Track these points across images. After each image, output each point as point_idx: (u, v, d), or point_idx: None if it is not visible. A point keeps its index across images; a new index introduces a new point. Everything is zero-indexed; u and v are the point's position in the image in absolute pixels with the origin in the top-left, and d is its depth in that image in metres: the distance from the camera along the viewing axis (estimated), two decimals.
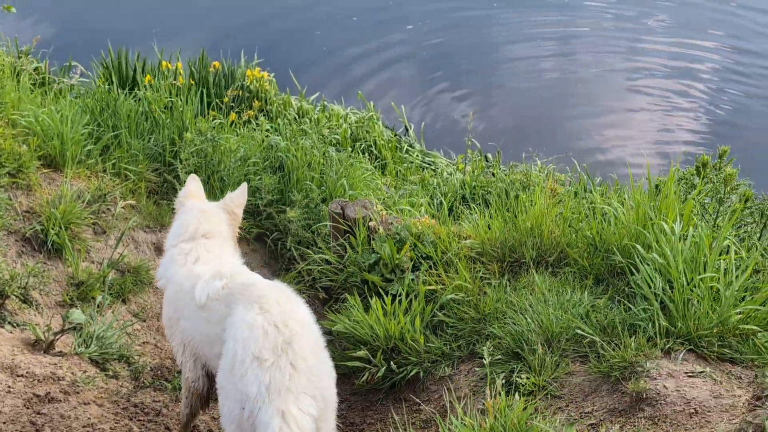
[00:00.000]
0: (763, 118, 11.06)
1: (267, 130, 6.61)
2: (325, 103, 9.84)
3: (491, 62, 12.54)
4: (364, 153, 9.11)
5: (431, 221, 4.86)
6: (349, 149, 7.19)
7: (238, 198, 4.14)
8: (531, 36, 13.02)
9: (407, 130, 10.06)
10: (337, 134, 7.95)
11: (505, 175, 8.13)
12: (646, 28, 13.33)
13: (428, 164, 9.48)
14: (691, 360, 3.81)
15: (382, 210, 5.04)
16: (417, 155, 9.55)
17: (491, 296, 4.38)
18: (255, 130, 6.76)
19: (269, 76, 9.44)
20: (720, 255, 4.11)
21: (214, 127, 6.32)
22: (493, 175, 8.65)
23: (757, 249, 4.26)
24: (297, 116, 9.28)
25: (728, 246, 4.20)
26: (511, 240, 4.61)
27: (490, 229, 4.74)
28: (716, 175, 4.60)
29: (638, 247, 4.12)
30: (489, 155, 9.53)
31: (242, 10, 13.11)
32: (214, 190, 5.95)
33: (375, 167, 8.93)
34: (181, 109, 6.09)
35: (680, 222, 4.18)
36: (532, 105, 11.52)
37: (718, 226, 4.39)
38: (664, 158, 10.63)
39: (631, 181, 6.50)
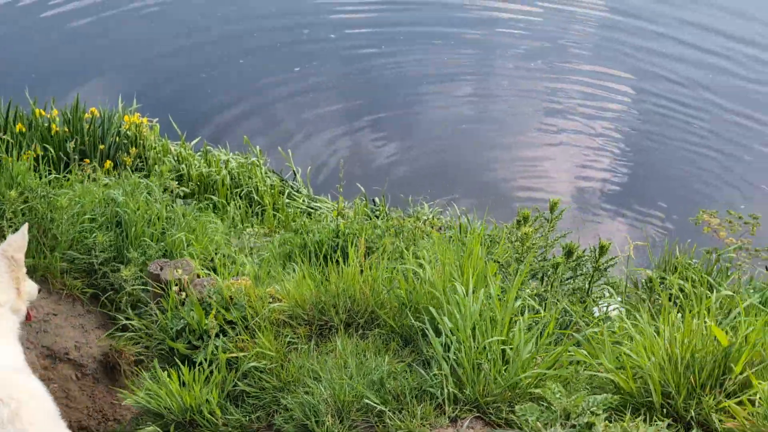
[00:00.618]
0: (672, 152, 11.19)
1: (105, 184, 6.36)
2: (208, 148, 9.63)
3: (394, 102, 12.51)
4: (244, 199, 8.91)
5: (248, 282, 4.66)
6: (195, 201, 6.97)
7: (17, 241, 3.85)
8: (446, 76, 13.02)
9: (295, 174, 9.90)
10: (185, 183, 7.74)
11: (384, 221, 7.99)
12: (559, 67, 13.42)
13: (314, 209, 9.31)
14: (478, 428, 3.67)
15: (197, 271, 4.84)
16: (303, 200, 9.37)
17: (294, 363, 4.19)
18: (102, 181, 6.52)
19: (150, 121, 9.23)
20: (520, 315, 4.01)
21: (50, 182, 6.05)
22: (370, 219, 8.53)
23: (557, 305, 4.16)
24: (176, 162, 9.07)
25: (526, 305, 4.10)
26: (322, 302, 4.44)
27: (304, 289, 4.57)
28: (521, 232, 4.52)
29: (431, 309, 3.99)
30: (376, 199, 9.39)
31: (126, 54, 12.88)
32: (44, 249, 5.68)
33: (255, 213, 8.75)
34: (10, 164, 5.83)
35: (475, 281, 4.06)
36: (443, 146, 11.49)
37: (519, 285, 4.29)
38: (579, 196, 10.65)
39: (457, 235, 6.45)
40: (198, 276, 5.08)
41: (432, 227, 8.58)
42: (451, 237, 7.86)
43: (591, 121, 12.04)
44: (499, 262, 4.42)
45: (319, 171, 10.49)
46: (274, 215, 8.77)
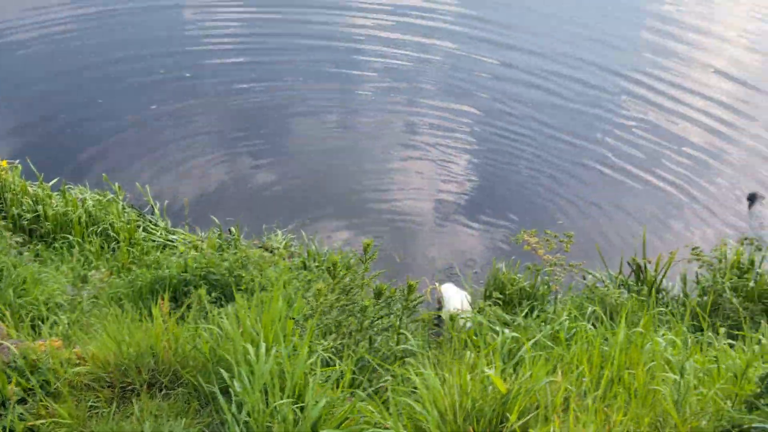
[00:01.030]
0: (515, 173, 11.63)
1: None
2: (68, 186, 9.34)
3: (258, 132, 12.42)
4: (100, 236, 8.67)
5: (57, 342, 4.53)
6: (32, 250, 6.75)
7: None
8: (313, 108, 13.02)
9: (153, 208, 9.70)
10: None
11: (233, 253, 7.94)
12: (415, 101, 13.76)
13: (171, 242, 9.15)
14: None
15: (9, 331, 4.67)
16: (160, 233, 9.19)
17: (95, 429, 4.11)
18: None
19: (11, 163, 8.97)
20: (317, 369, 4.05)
21: None
22: (223, 250, 8.47)
23: (352, 357, 4.25)
24: (34, 203, 8.77)
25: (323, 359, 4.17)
26: (124, 362, 4.37)
27: (107, 349, 4.48)
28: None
29: (222, 370, 4.00)
30: (232, 228, 9.31)
31: None
32: None
33: (112, 249, 8.53)
34: None
35: (272, 338, 4.09)
36: (306, 173, 11.55)
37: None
38: (436, 210, 10.85)
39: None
40: (10, 337, 4.91)
41: (283, 255, 8.61)
42: (295, 266, 7.92)
43: (442, 148, 12.45)
44: (294, 319, 4.48)
45: (178, 203, 10.31)
46: (129, 250, 8.57)
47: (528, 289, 8.09)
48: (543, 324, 5.76)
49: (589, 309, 6.94)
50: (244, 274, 7.10)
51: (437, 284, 8.61)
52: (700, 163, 12.78)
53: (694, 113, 14.53)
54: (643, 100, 14.82)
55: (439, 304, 8.36)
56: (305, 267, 8.16)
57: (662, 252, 8.47)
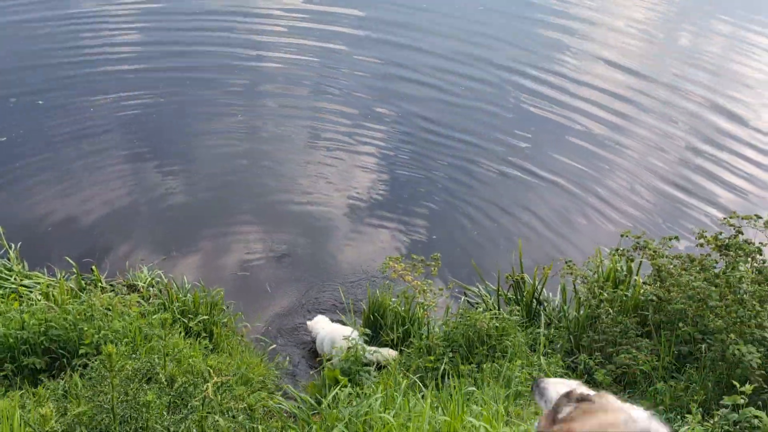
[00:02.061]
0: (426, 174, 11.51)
1: None
2: None
3: (149, 143, 11.66)
4: None
5: None
6: None
7: None
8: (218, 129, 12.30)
9: (8, 251, 8.87)
10: None
11: (82, 302, 7.22)
12: (318, 92, 13.67)
13: (26, 287, 8.35)
14: None
15: None
16: (14, 278, 8.38)
17: None
18: None
19: None
20: None
21: None
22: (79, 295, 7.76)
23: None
24: None
25: None
26: None
27: None
28: None
29: None
30: (93, 267, 8.59)
31: None
32: None
33: None
34: None
35: None
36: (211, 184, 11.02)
37: None
38: (350, 212, 10.66)
39: None
40: None
41: (142, 297, 7.98)
42: (153, 309, 7.31)
43: (352, 150, 12.31)
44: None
45: (37, 242, 9.50)
46: None
47: (402, 313, 7.73)
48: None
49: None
50: (86, 328, 6.45)
51: (308, 322, 8.21)
52: (595, 157, 12.71)
53: (587, 105, 14.50)
54: (536, 95, 14.71)
55: (312, 332, 7.98)
56: (165, 308, 7.55)
57: (542, 263, 8.24)
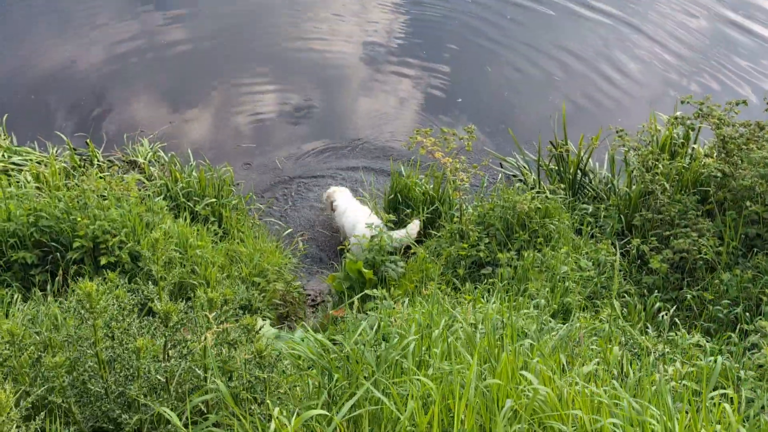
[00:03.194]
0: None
1: None
2: None
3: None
4: None
5: None
6: None
7: None
8: None
9: None
10: None
11: (75, 185, 6.63)
12: None
13: (15, 165, 7.73)
14: None
15: None
16: (3, 155, 7.76)
17: None
18: None
19: None
20: None
21: None
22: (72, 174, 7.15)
23: None
24: None
25: None
26: None
27: None
28: None
29: None
30: (88, 141, 7.92)
31: None
32: None
33: None
34: None
35: None
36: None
37: None
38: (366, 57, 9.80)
39: None
40: None
41: (144, 176, 7.34)
42: (155, 191, 6.70)
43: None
44: None
45: (27, 111, 8.77)
46: None
47: (431, 192, 7.06)
48: None
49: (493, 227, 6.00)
50: (80, 218, 5.85)
51: (325, 192, 7.61)
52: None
53: None
54: None
55: (332, 209, 7.46)
56: (168, 190, 6.93)
57: (587, 131, 7.44)
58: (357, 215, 6.87)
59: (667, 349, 3.70)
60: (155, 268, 3.27)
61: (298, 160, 8.62)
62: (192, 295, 5.73)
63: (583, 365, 3.24)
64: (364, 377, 2.91)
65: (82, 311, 2.93)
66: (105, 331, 3.06)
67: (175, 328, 3.14)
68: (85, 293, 2.91)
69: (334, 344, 3.30)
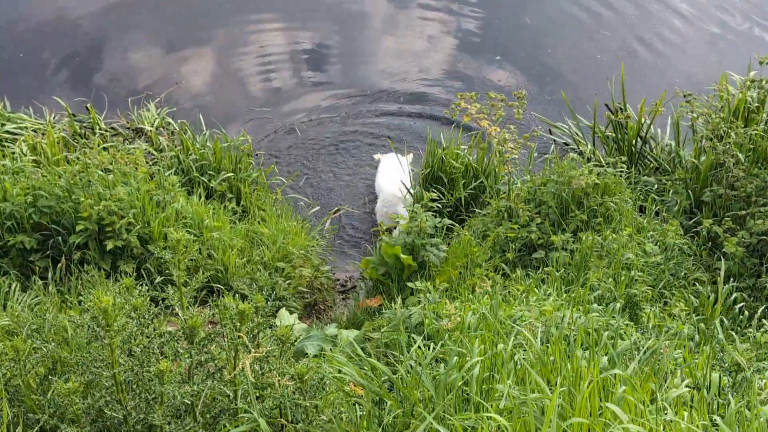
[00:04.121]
0: None
1: None
2: None
3: None
4: None
5: None
6: None
7: None
8: None
9: None
10: None
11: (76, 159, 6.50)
12: None
13: (10, 134, 7.59)
14: None
15: None
16: None
17: None
18: None
19: None
20: None
21: None
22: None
23: None
24: None
25: None
26: None
27: None
28: None
29: None
30: (89, 106, 7.74)
31: None
32: None
33: None
34: None
35: None
36: None
37: None
38: None
39: None
40: None
41: (154, 147, 7.17)
42: (166, 164, 6.55)
43: None
44: None
45: (20, 71, 8.59)
46: None
47: (475, 164, 6.83)
48: None
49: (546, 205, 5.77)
50: (83, 198, 5.70)
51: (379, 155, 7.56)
52: None
53: None
54: None
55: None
56: (179, 162, 6.75)
57: (649, 93, 7.15)
58: (391, 194, 6.71)
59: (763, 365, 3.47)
60: (177, 273, 3.09)
61: (320, 117, 8.48)
62: (208, 279, 5.61)
63: (669, 386, 3.03)
64: (421, 404, 2.72)
65: (97, 329, 2.76)
66: (122, 347, 2.89)
67: (202, 345, 2.97)
68: (100, 309, 2.72)
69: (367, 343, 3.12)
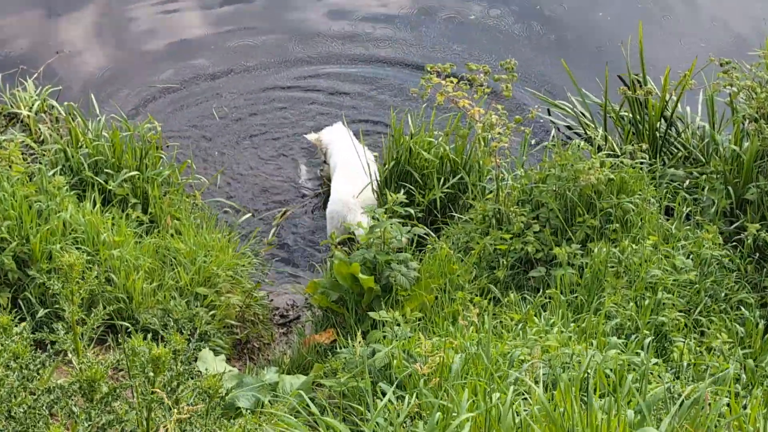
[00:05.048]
0: None
1: None
2: None
3: None
4: None
5: None
6: None
7: None
8: None
9: None
10: None
11: None
12: None
13: None
14: None
15: None
16: None
17: None
18: None
19: None
20: None
21: None
22: None
23: None
24: None
25: None
26: None
27: None
28: None
29: None
30: None
31: None
32: None
33: None
34: None
35: None
36: None
37: None
38: None
39: None
40: None
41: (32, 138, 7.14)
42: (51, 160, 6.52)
43: None
44: None
45: None
46: None
47: (454, 157, 6.88)
48: None
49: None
50: None
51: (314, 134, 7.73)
52: None
53: None
54: None
55: (324, 158, 7.59)
56: (67, 158, 6.70)
57: (670, 65, 7.24)
58: (344, 194, 6.76)
59: None
60: (70, 309, 3.08)
61: (245, 85, 8.61)
62: (106, 310, 5.53)
63: None
64: None
65: None
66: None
67: (105, 402, 2.95)
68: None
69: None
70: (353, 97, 8.54)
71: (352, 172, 6.94)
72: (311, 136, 7.67)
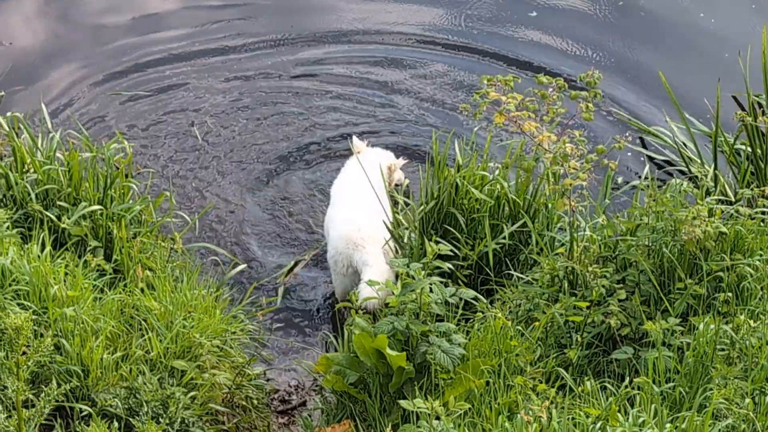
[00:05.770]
0: None
1: None
2: None
3: None
4: None
5: None
6: None
7: None
8: None
9: None
10: None
11: None
12: None
13: None
14: None
15: None
16: None
17: None
18: None
19: None
20: None
21: None
22: None
23: None
24: None
25: None
26: None
27: None
28: None
29: None
30: None
31: None
32: None
33: None
34: None
35: None
36: None
37: None
38: None
39: None
40: None
41: None
42: None
43: None
44: None
45: None
46: None
47: (513, 196, 6.89)
48: None
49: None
50: None
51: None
52: None
53: None
54: None
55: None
56: (9, 186, 6.80)
57: None
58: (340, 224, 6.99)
59: None
60: (15, 386, 3.08)
61: (232, 85, 8.91)
62: (61, 389, 5.56)
63: None
64: None
65: None
66: None
67: None
68: None
69: None
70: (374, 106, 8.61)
71: (353, 196, 7.04)
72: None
